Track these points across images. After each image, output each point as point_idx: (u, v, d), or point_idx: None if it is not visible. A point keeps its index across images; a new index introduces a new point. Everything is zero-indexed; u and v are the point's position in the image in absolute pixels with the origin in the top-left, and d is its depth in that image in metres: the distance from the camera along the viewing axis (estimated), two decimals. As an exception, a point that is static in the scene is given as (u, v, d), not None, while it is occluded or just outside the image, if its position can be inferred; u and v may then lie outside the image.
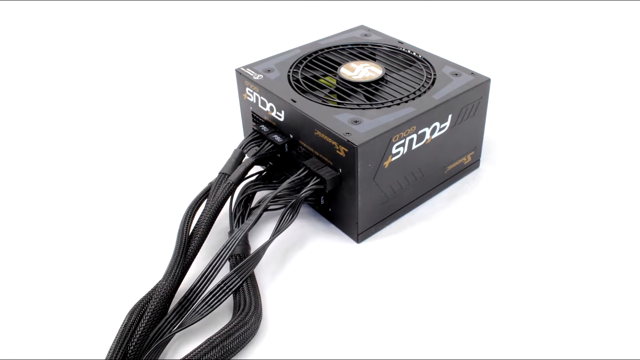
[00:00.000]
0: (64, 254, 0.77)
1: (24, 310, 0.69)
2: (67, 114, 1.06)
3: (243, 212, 0.77)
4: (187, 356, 0.59)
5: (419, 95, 0.77)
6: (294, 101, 0.77)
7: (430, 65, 0.84)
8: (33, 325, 0.67)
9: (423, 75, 0.81)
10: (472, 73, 0.81)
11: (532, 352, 0.63)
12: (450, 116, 0.77)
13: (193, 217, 0.72)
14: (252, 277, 0.69)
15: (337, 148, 0.71)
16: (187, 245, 0.69)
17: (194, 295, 0.64)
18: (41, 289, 0.72)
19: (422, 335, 0.65)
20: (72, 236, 0.79)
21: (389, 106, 0.75)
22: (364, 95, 0.78)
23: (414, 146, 0.75)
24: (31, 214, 0.83)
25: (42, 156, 0.95)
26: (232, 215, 0.76)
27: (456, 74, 0.81)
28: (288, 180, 0.74)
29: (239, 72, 0.85)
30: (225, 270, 0.71)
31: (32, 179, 0.89)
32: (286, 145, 0.79)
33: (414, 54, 0.87)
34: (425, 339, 0.64)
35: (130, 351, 0.60)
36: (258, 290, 0.69)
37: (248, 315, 0.64)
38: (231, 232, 0.74)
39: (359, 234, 0.76)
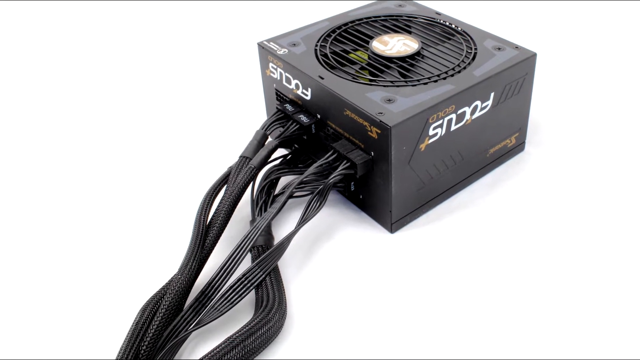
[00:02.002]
0: (73, 245, 0.77)
1: (31, 307, 0.69)
2: (84, 97, 1.07)
3: (266, 200, 0.76)
4: (205, 356, 0.59)
5: (458, 72, 0.76)
6: (322, 78, 0.76)
7: (471, 38, 0.83)
8: (40, 323, 0.68)
9: (463, 50, 0.81)
10: (517, 47, 0.80)
11: (583, 352, 0.62)
12: (492, 94, 0.77)
13: (211, 204, 0.72)
14: (275, 271, 0.69)
15: (369, 129, 0.70)
16: (205, 236, 0.69)
17: (213, 290, 0.64)
18: (48, 284, 0.72)
19: (461, 336, 0.64)
20: (82, 226, 0.80)
21: (425, 83, 0.74)
22: (398, 72, 0.78)
23: (453, 127, 0.74)
24: (41, 204, 0.84)
25: (58, 142, 0.95)
26: (254, 202, 0.76)
27: (499, 48, 0.80)
28: (315, 165, 0.74)
29: (261, 46, 0.84)
30: (246, 263, 0.70)
31: (45, 167, 0.90)
32: (313, 126, 0.79)
33: (453, 26, 0.86)
34: (465, 339, 0.64)
35: (142, 351, 0.60)
36: (282, 284, 0.68)
37: (271, 312, 0.63)
38: (253, 221, 0.74)
39: (392, 224, 0.75)
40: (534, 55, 0.79)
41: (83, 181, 0.87)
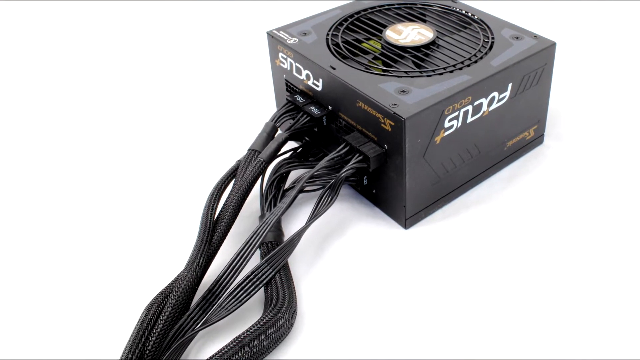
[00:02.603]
0: (77, 241, 0.77)
1: (33, 306, 0.69)
2: (90, 90, 1.07)
3: (275, 194, 0.77)
4: (212, 357, 0.59)
5: (475, 62, 0.76)
6: (334, 68, 0.76)
7: (488, 27, 0.83)
8: (42, 323, 0.68)
9: (479, 39, 0.80)
10: (535, 36, 0.80)
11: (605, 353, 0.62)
12: (510, 85, 0.76)
13: (219, 199, 0.72)
14: (285, 268, 0.69)
15: (382, 121, 0.70)
16: (212, 232, 0.69)
17: (220, 288, 0.63)
18: (50, 282, 0.72)
19: (477, 337, 0.64)
20: (86, 221, 0.80)
21: (440, 74, 0.74)
22: (413, 62, 0.77)
23: (469, 119, 0.74)
24: (45, 200, 0.84)
25: (63, 139, 0.96)
26: (263, 197, 0.76)
27: (517, 38, 0.80)
28: (326, 158, 0.73)
29: (271, 36, 0.84)
30: (255, 260, 0.71)
31: (49, 165, 0.90)
32: (324, 118, 0.79)
33: (469, 14, 0.86)
34: (481, 341, 0.63)
35: (148, 351, 0.60)
36: (292, 282, 0.68)
37: (281, 311, 0.63)
38: (262, 216, 0.74)
39: (406, 219, 0.75)
40: (553, 44, 0.79)
41: (89, 176, 0.88)
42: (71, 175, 0.88)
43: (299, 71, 0.81)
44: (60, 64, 1.14)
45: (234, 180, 0.74)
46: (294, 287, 0.68)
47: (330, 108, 0.79)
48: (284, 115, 0.80)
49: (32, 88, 1.06)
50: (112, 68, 1.13)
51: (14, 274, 0.73)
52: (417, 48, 0.79)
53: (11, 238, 0.78)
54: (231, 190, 0.72)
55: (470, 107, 0.73)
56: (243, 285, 0.63)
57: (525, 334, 0.64)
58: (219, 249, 0.69)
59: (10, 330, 0.67)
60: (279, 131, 0.80)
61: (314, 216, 0.70)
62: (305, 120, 0.79)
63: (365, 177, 0.77)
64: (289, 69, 0.83)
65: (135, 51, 1.18)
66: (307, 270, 0.71)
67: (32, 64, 1.13)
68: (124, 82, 1.09)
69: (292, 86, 0.84)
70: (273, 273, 0.66)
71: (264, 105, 0.97)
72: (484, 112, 0.75)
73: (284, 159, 0.80)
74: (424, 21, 0.86)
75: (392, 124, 0.69)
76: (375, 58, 0.79)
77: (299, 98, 0.81)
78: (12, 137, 0.95)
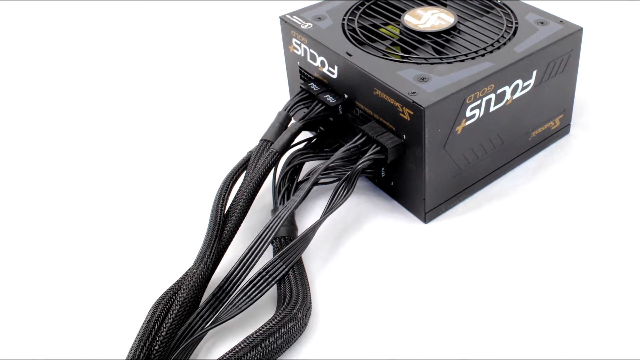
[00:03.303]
0: (82, 237, 0.78)
1: (37, 304, 0.70)
2: (98, 82, 1.08)
3: (289, 187, 0.77)
4: (222, 357, 0.59)
5: (498, 48, 0.76)
6: (350, 54, 0.76)
7: (511, 11, 0.82)
8: (46, 321, 0.68)
9: (502, 24, 0.80)
10: (561, 21, 0.80)
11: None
12: (535, 72, 0.76)
13: (229, 192, 0.72)
14: (299, 264, 0.69)
15: (401, 110, 0.70)
16: (223, 226, 0.69)
17: (231, 285, 0.64)
18: (54, 279, 0.72)
19: (501, 336, 0.63)
20: (92, 216, 0.80)
21: (462, 60, 0.74)
22: (433, 48, 0.77)
23: (492, 108, 0.74)
24: (50, 195, 0.85)
25: (68, 136, 0.96)
26: (276, 190, 0.76)
27: (542, 23, 0.79)
28: (342, 149, 0.73)
29: (284, 20, 0.84)
30: (267, 256, 0.70)
31: (53, 161, 0.91)
32: (340, 107, 0.79)
33: (492, -2, 0.85)
34: (505, 340, 0.63)
35: (155, 351, 0.60)
36: (306, 279, 0.68)
37: (295, 309, 0.63)
38: (275, 210, 0.74)
39: (426, 213, 0.75)
40: (580, 30, 0.79)
41: (96, 170, 0.88)
42: (76, 169, 0.88)
43: (313, 58, 0.81)
44: (76, 61, 1.15)
45: (245, 172, 0.74)
46: (308, 284, 0.68)
47: (346, 96, 0.78)
48: (297, 104, 0.80)
49: (55, 89, 1.07)
50: (120, 58, 1.14)
51: (17, 272, 0.74)
52: (437, 33, 0.79)
53: (15, 235, 0.78)
54: (242, 183, 0.72)
55: (493, 96, 0.73)
56: (255, 282, 0.63)
57: (553, 334, 0.63)
58: (229, 244, 0.69)
59: (14, 330, 0.67)
60: (293, 121, 0.80)
61: (329, 210, 0.70)
62: (320, 109, 0.79)
63: (382, 168, 0.77)
64: (303, 55, 0.83)
65: (145, 38, 1.19)
66: (321, 267, 0.71)
67: (52, 65, 1.14)
68: (133, 71, 1.10)
69: (306, 73, 0.84)
70: (286, 269, 0.66)
71: (276, 94, 0.97)
72: (507, 100, 0.75)
73: (298, 150, 0.80)
74: (445, 5, 0.86)
75: (411, 113, 0.69)
76: (394, 44, 0.79)
77: (314, 86, 0.81)
78: (29, 138, 0.95)
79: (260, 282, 0.64)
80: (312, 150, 0.81)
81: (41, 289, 0.71)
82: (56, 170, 0.88)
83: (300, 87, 0.82)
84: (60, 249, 0.76)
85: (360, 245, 0.73)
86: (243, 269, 0.64)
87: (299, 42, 0.83)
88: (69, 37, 1.19)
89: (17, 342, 0.66)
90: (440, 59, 0.74)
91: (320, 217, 0.69)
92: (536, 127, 0.81)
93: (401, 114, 0.70)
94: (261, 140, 0.76)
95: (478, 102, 0.72)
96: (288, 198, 0.75)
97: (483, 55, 0.75)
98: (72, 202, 0.83)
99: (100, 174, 0.87)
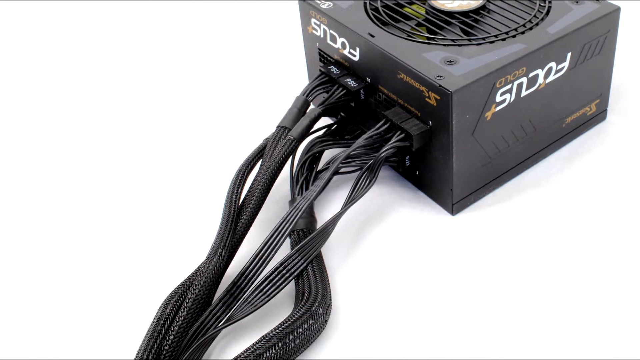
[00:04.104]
0: (90, 229, 0.78)
1: (43, 303, 0.70)
2: (106, 75, 1.09)
3: (307, 176, 0.77)
4: (237, 357, 0.59)
5: (530, 29, 0.75)
6: (372, 35, 0.76)
7: None
8: (52, 320, 0.68)
9: (535, 3, 0.80)
10: (598, 0, 0.79)
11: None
12: (569, 55, 0.76)
13: (244, 182, 0.72)
14: (318, 259, 0.69)
15: (427, 95, 0.70)
16: (237, 218, 0.69)
17: (246, 281, 0.64)
18: (60, 275, 0.73)
19: (534, 334, 0.63)
20: (101, 207, 0.81)
21: (492, 42, 0.74)
22: (461, 28, 0.77)
23: (524, 93, 0.74)
24: (59, 190, 0.85)
25: (74, 133, 0.96)
26: (294, 179, 0.76)
27: (577, 2, 0.79)
28: (364, 136, 0.73)
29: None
30: (284, 250, 0.69)
31: (62, 159, 0.91)
32: (362, 91, 0.79)
33: (524, -25, 0.85)
34: (539, 339, 0.63)
35: (165, 351, 0.60)
36: (326, 274, 0.68)
37: (314, 307, 0.63)
38: (292, 201, 0.74)
39: (454, 204, 0.75)
40: (618, 9, 0.78)
41: (108, 159, 0.89)
42: (88, 161, 0.89)
43: (333, 39, 0.81)
44: (85, 58, 1.16)
45: (261, 160, 0.74)
46: (328, 280, 0.68)
47: (368, 80, 0.78)
48: (316, 89, 0.80)
49: (63, 89, 1.07)
50: (133, 46, 1.14)
51: (24, 270, 0.74)
52: (465, 13, 0.79)
53: (22, 230, 0.79)
54: (258, 172, 0.72)
55: (524, 79, 0.73)
56: (271, 277, 0.63)
57: (593, 333, 0.63)
58: (244, 237, 0.69)
59: (19, 330, 0.67)
60: (312, 106, 0.80)
61: (350, 201, 0.70)
62: (341, 93, 0.79)
63: (407, 157, 0.77)
64: (322, 36, 0.83)
65: (159, 22, 1.20)
66: (342, 261, 0.71)
67: (61, 64, 1.14)
68: (146, 56, 1.10)
69: (326, 56, 0.84)
70: (305, 264, 0.65)
71: (294, 78, 0.97)
72: (540, 84, 0.75)
73: (317, 137, 0.80)
74: (473, -17, 0.85)
75: (438, 98, 0.68)
76: (419, 24, 0.79)
77: (334, 69, 0.81)
78: (37, 139, 0.96)
79: (277, 278, 0.64)
80: (332, 137, 0.81)
81: (47, 286, 0.72)
82: (63, 163, 0.89)
83: (320, 70, 0.82)
84: (65, 244, 0.76)
85: (383, 239, 0.73)
86: (259, 264, 0.64)
87: (318, 23, 0.83)
88: (87, 36, 1.21)
89: (22, 341, 0.66)
90: (469, 40, 0.74)
91: (341, 209, 0.69)
92: (570, 113, 0.81)
93: (427, 99, 0.70)
94: (278, 126, 0.76)
95: (509, 86, 0.71)
96: (307, 188, 0.75)
97: (514, 36, 0.74)
98: (79, 194, 0.83)
99: (110, 163, 0.88)
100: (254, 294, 0.62)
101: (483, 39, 0.74)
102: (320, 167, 0.78)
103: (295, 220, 0.66)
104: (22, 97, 1.03)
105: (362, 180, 0.71)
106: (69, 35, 1.17)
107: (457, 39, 0.75)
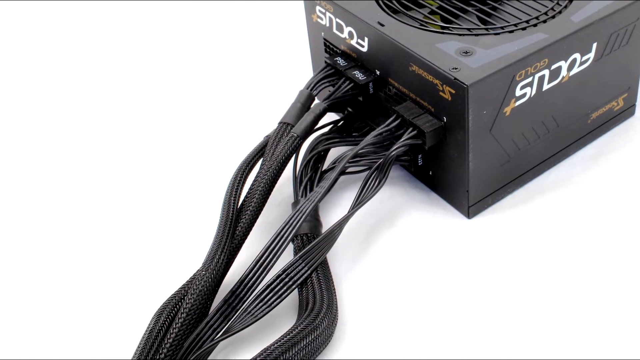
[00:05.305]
0: (74, 231, 0.78)
1: (26, 311, 0.71)
2: (112, 72, 1.09)
3: (312, 176, 0.77)
4: None
5: (553, 17, 0.76)
6: (382, 24, 0.76)
7: None
8: (34, 331, 0.68)
9: None
10: None
11: None
12: (594, 45, 0.76)
13: (244, 183, 0.72)
14: (324, 266, 0.69)
15: (441, 89, 0.70)
16: (236, 222, 0.69)
17: (245, 289, 0.64)
18: (44, 281, 0.73)
19: (555, 346, 0.63)
20: (89, 213, 0.81)
21: (511, 31, 0.74)
22: (478, 17, 0.78)
23: (546, 86, 0.74)
24: (49, 192, 0.85)
25: (72, 132, 0.97)
26: (297, 180, 0.76)
27: None
28: (373, 133, 0.73)
29: None
30: (287, 256, 0.70)
31: (55, 159, 0.92)
32: (371, 84, 0.79)
33: (546, -41, 0.86)
34: (560, 351, 0.62)
35: None
36: (332, 283, 0.68)
37: (319, 317, 0.63)
38: (296, 203, 0.74)
39: (470, 207, 0.75)
40: None
41: (99, 161, 0.89)
42: (83, 156, 0.90)
43: (340, 28, 0.81)
44: (85, 56, 1.16)
45: (261, 159, 0.74)
46: (334, 289, 0.68)
47: (377, 73, 0.78)
48: (322, 82, 0.80)
49: (65, 89, 1.08)
50: (130, 43, 1.15)
51: (14, 277, 0.75)
52: (482, 0, 0.79)
53: (14, 238, 0.79)
54: (258, 172, 0.72)
55: (546, 72, 0.72)
56: (273, 286, 0.64)
57: (616, 342, 0.63)
58: (243, 242, 0.69)
59: (8, 338, 0.68)
60: (316, 101, 0.80)
61: (358, 203, 0.70)
62: (348, 87, 0.79)
63: (420, 156, 0.76)
64: (328, 25, 0.83)
65: (156, 16, 1.20)
66: (350, 268, 0.72)
67: (66, 64, 1.15)
68: (140, 48, 1.11)
69: (332, 46, 0.84)
70: (309, 272, 0.66)
71: (298, 70, 0.97)
72: (563, 77, 0.74)
73: (322, 134, 0.80)
74: (491, -32, 0.86)
75: (453, 92, 0.68)
76: (433, 12, 0.79)
77: (340, 61, 0.81)
78: (39, 139, 0.96)
79: (279, 287, 0.64)
80: (338, 134, 0.81)
81: (33, 292, 0.72)
82: (54, 166, 0.89)
83: (325, 62, 0.82)
84: (54, 247, 0.77)
85: (393, 244, 0.74)
86: (259, 272, 0.64)
87: (323, 11, 0.83)
88: (87, 35, 1.21)
89: (10, 351, 0.67)
90: (486, 29, 0.74)
91: (348, 212, 0.69)
92: (596, 108, 0.81)
93: (441, 93, 0.70)
94: (280, 123, 0.76)
95: (529, 79, 0.71)
96: (311, 190, 0.76)
97: (535, 25, 0.74)
98: (68, 197, 0.84)
99: (101, 165, 0.88)
100: (254, 304, 0.62)
101: (502, 28, 0.74)
102: (325, 166, 0.78)
103: (298, 224, 0.66)
104: (18, 96, 1.04)
105: (371, 181, 0.71)
106: (65, 35, 1.17)
107: (473, 28, 0.75)
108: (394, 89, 0.76)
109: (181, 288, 0.66)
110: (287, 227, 0.66)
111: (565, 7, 0.77)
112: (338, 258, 0.72)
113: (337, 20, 0.81)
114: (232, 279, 0.68)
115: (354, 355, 0.64)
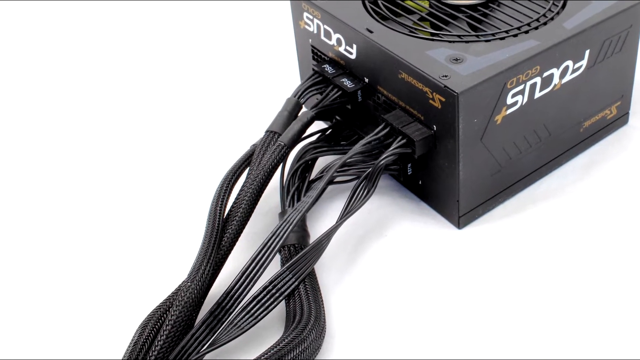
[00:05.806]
0: (58, 240, 0.78)
1: (7, 313, 0.71)
2: (104, 74, 1.09)
3: (299, 186, 0.77)
4: None
5: (544, 23, 0.76)
6: (371, 31, 0.76)
7: None
8: (14, 339, 0.68)
9: None
10: None
11: None
12: (587, 52, 0.76)
13: (230, 192, 0.72)
14: (311, 277, 0.69)
15: (431, 96, 0.70)
16: (222, 232, 0.69)
17: (231, 301, 0.63)
18: (18, 291, 0.73)
19: (544, 355, 0.63)
20: (72, 217, 0.81)
21: (502, 38, 0.74)
22: (468, 23, 0.78)
23: (538, 94, 0.74)
24: (37, 198, 0.86)
25: (62, 133, 0.97)
26: (284, 190, 0.76)
27: None
28: (362, 142, 0.73)
29: None
30: (274, 267, 0.69)
31: (46, 161, 0.92)
32: (359, 92, 0.79)
33: (537, -34, 0.85)
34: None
35: None
36: (320, 294, 0.68)
37: (307, 330, 0.63)
38: (283, 213, 0.74)
39: (460, 217, 0.75)
40: None
41: (84, 167, 0.89)
42: (64, 169, 0.89)
43: (328, 35, 0.81)
44: (79, 58, 1.16)
45: (248, 169, 0.74)
46: (321, 300, 0.67)
47: (366, 80, 0.78)
48: (309, 89, 0.80)
49: (60, 88, 1.08)
50: (117, 48, 1.14)
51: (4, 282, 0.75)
52: (473, 7, 0.79)
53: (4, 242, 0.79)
54: (245, 182, 0.72)
55: (538, 79, 0.73)
56: (259, 298, 0.63)
57: (611, 355, 0.63)
58: (229, 253, 0.69)
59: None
60: (304, 109, 0.80)
61: (346, 213, 0.70)
62: (336, 95, 0.79)
63: (409, 165, 0.76)
64: (315, 32, 0.83)
65: (141, 21, 1.20)
66: (338, 280, 0.71)
67: (63, 64, 1.15)
68: (128, 58, 1.11)
69: (319, 54, 0.84)
70: (296, 283, 0.66)
71: (285, 78, 0.97)
72: (555, 85, 0.75)
73: (310, 143, 0.80)
74: (482, -26, 0.86)
75: (443, 99, 0.68)
76: (422, 19, 0.79)
77: (328, 68, 0.81)
78: (26, 138, 0.97)
79: (265, 298, 0.64)
80: (326, 143, 0.81)
81: (10, 297, 0.72)
82: (45, 169, 0.90)
83: (313, 69, 0.82)
84: (33, 253, 0.77)
85: (382, 255, 0.73)
86: (245, 283, 0.64)
87: (311, 17, 0.83)
88: (82, 35, 1.21)
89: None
90: (477, 36, 0.75)
91: (337, 222, 0.69)
92: (589, 117, 0.81)
93: (431, 101, 0.70)
94: (267, 131, 0.76)
95: (521, 87, 0.71)
96: (298, 199, 0.75)
97: (527, 32, 0.75)
98: (53, 199, 0.84)
99: (86, 172, 0.88)
100: (240, 316, 0.62)
101: (492, 34, 0.74)
102: (313, 176, 0.78)
103: (285, 235, 0.66)
104: (15, 95, 1.04)
105: (360, 191, 0.71)
106: (59, 34, 1.17)
107: (464, 35, 0.75)
108: (382, 96, 0.77)
109: (166, 299, 0.65)
110: (274, 237, 0.65)
111: (558, 13, 0.77)
112: (326, 269, 0.72)
113: (325, 26, 0.81)
114: (218, 290, 0.67)
115: (341, 368, 0.63)
